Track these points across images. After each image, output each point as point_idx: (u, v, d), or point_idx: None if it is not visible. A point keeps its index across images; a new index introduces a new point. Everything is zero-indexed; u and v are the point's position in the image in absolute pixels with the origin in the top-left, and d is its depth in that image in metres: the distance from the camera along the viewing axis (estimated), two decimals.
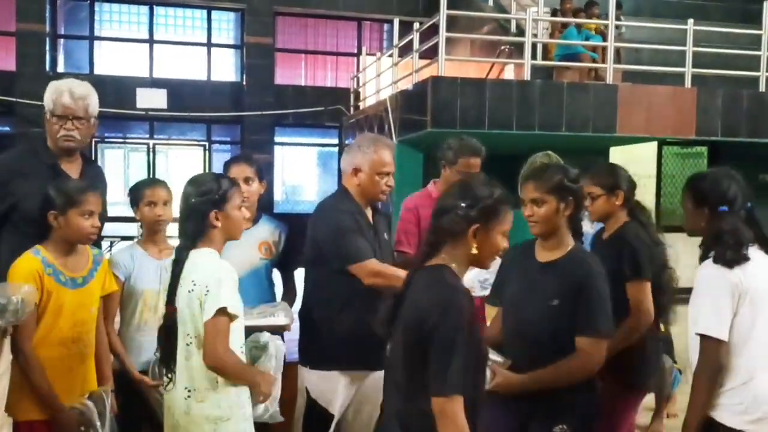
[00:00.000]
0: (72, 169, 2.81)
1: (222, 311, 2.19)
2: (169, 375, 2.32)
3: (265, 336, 2.51)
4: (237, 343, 2.32)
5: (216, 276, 2.22)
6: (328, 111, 12.62)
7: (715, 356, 2.29)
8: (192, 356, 2.26)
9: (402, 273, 2.74)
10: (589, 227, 3.46)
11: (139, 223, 2.94)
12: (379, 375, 2.98)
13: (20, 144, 8.49)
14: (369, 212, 2.98)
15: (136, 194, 2.88)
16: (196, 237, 2.32)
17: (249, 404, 2.33)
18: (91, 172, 2.92)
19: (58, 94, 2.76)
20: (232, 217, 2.35)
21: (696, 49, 7.60)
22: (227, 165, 3.12)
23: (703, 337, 2.31)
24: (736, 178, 2.46)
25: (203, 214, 2.30)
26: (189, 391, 2.26)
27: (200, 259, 2.29)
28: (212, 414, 2.24)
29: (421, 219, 3.33)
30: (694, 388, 2.35)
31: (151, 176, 12.10)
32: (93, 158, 12.26)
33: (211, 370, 2.22)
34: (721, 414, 2.33)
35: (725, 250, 2.31)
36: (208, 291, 2.21)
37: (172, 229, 2.98)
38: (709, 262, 2.36)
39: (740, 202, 2.41)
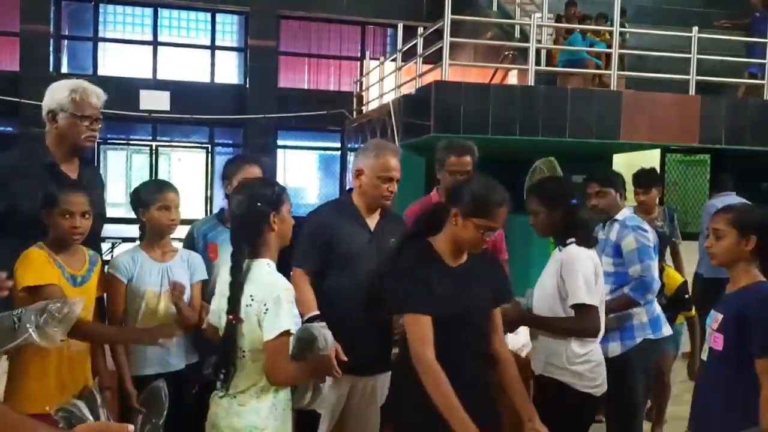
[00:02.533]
0: (70, 170, 2.80)
1: (285, 333, 2.19)
2: (223, 383, 2.29)
3: (315, 329, 2.49)
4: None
5: (275, 294, 2.20)
6: (331, 115, 12.62)
7: (593, 320, 2.70)
8: (241, 367, 2.27)
9: (309, 300, 2.75)
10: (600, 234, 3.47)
11: (139, 225, 2.89)
12: (367, 385, 2.91)
13: (24, 144, 8.48)
14: (375, 216, 2.95)
15: (145, 197, 2.81)
16: (256, 244, 2.31)
17: (287, 418, 2.35)
18: (88, 173, 2.91)
19: (83, 94, 2.77)
20: (287, 221, 2.36)
21: (700, 56, 7.59)
22: (234, 165, 3.09)
23: (582, 306, 2.68)
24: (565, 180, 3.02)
25: (264, 217, 2.29)
26: (232, 396, 2.28)
27: (258, 272, 2.27)
28: (251, 421, 2.24)
29: None
30: (565, 326, 2.75)
31: (153, 178, 12.09)
32: (96, 160, 12.31)
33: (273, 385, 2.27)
34: (572, 380, 2.71)
35: (586, 234, 2.80)
36: (267, 310, 2.19)
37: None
38: (572, 246, 2.76)
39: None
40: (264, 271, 2.27)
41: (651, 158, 9.12)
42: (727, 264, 2.47)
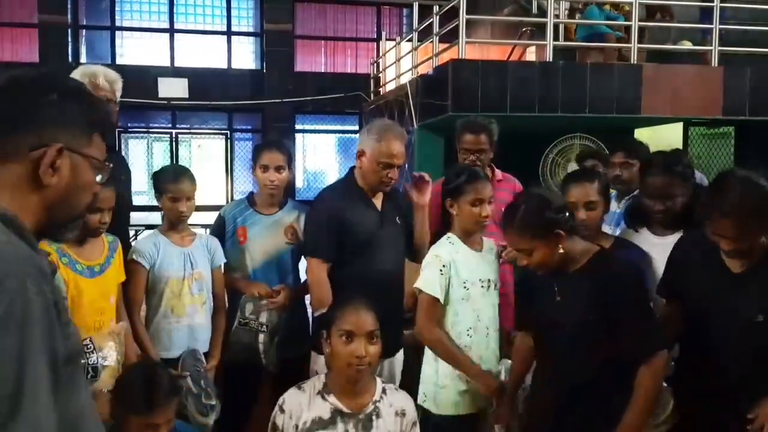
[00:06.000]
0: None
1: (420, 291, 2.50)
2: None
3: None
4: (463, 325, 2.53)
5: (427, 259, 2.55)
6: (349, 97, 12.58)
7: None
8: None
9: (325, 296, 2.69)
10: (615, 206, 3.42)
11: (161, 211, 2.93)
12: (383, 367, 2.88)
13: None
14: (379, 195, 2.91)
15: (159, 184, 2.85)
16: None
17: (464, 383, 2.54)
18: (112, 159, 2.93)
19: (92, 76, 2.80)
20: (462, 211, 2.54)
21: (722, 26, 7.42)
22: (259, 151, 3.11)
23: None
24: None
25: (444, 199, 2.62)
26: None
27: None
28: (432, 377, 2.55)
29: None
30: None
31: (174, 163, 12.15)
32: (117, 148, 12.41)
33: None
34: None
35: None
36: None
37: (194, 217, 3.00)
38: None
39: None
40: (439, 242, 2.60)
41: (673, 132, 8.98)
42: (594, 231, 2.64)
